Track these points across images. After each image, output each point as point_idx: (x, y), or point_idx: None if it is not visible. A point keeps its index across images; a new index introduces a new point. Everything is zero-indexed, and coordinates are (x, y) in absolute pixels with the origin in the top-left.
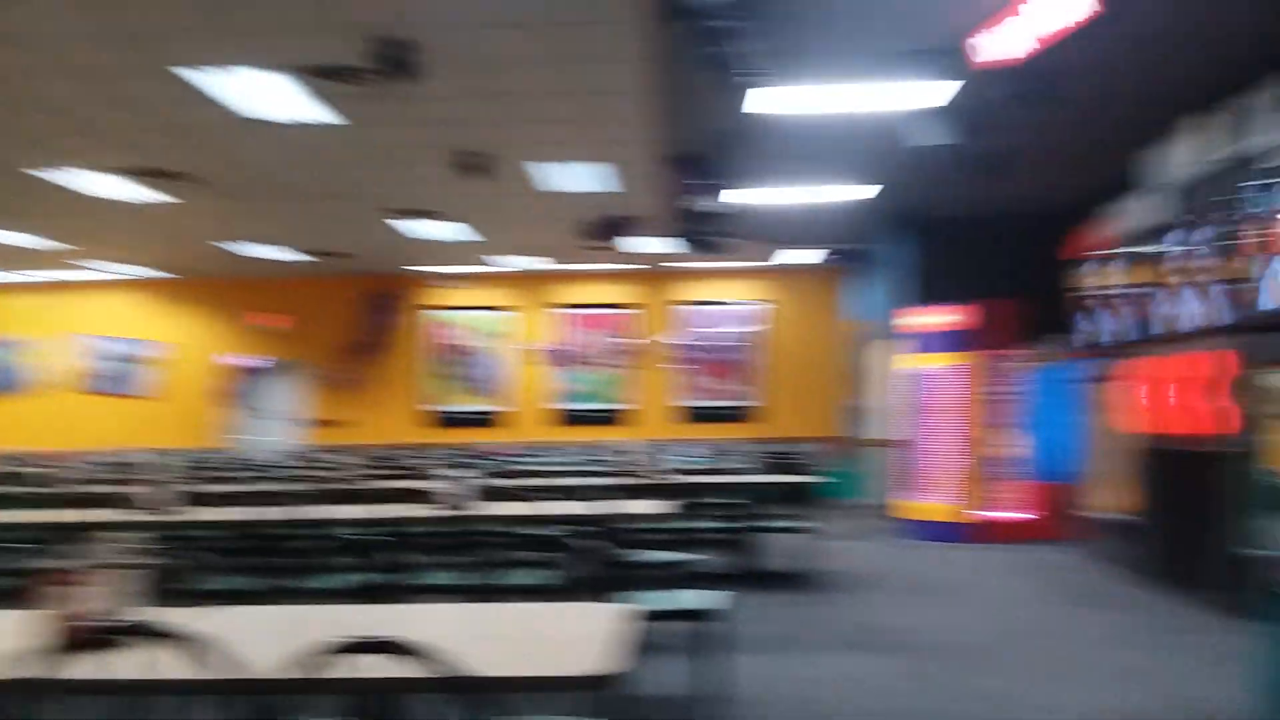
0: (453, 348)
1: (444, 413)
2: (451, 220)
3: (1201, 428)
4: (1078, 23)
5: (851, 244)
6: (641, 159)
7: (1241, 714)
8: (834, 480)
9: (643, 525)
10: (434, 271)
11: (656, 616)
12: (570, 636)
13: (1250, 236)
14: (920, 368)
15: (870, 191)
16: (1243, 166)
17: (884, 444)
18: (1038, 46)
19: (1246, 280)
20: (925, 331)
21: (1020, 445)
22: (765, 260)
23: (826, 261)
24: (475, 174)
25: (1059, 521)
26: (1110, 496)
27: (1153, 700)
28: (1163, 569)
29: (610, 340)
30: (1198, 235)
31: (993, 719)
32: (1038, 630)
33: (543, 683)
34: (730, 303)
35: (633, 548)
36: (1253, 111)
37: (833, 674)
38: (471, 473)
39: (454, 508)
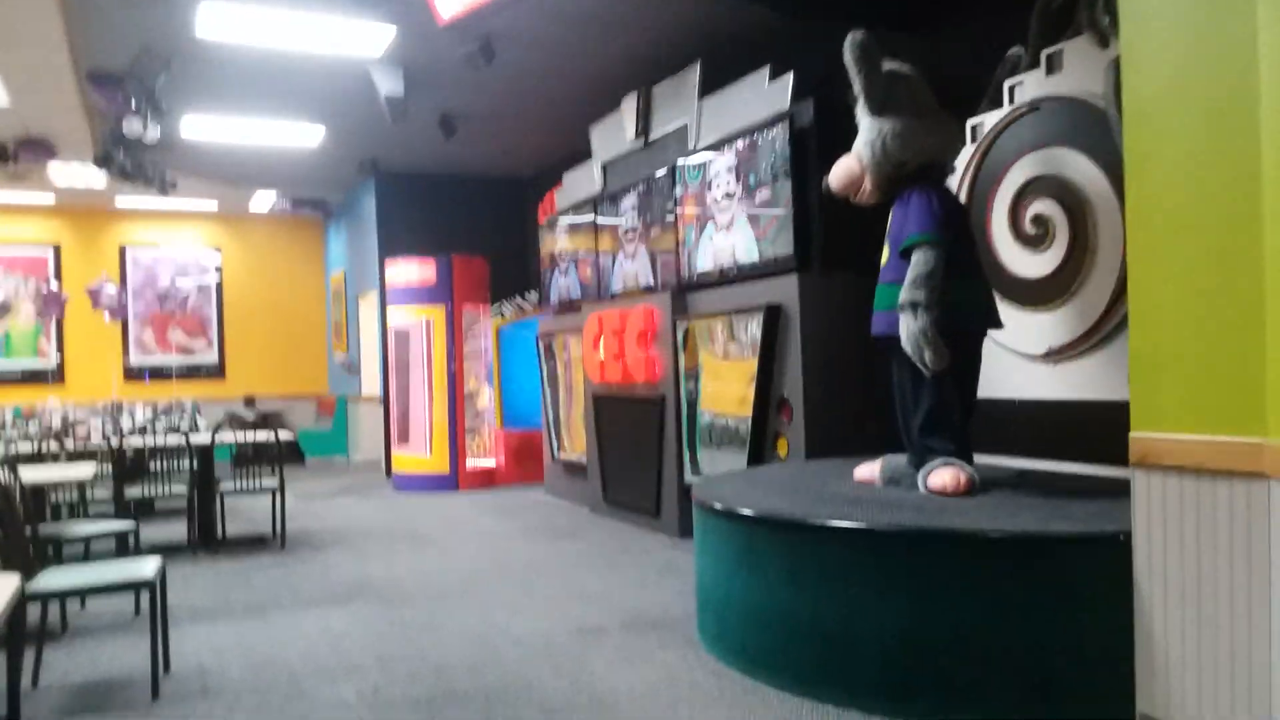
0: None
1: None
2: None
3: (640, 376)
4: None
5: (326, 192)
6: (51, 70)
7: (677, 615)
8: (321, 438)
9: (75, 496)
10: None
11: (86, 591)
12: None
13: (676, 210)
14: (400, 322)
15: (338, 137)
16: (661, 146)
17: (376, 399)
18: (464, 10)
19: (675, 248)
20: (402, 286)
21: (494, 396)
22: (238, 206)
23: (305, 209)
24: None
25: (533, 465)
26: (574, 440)
27: (609, 613)
28: (620, 501)
29: (31, 287)
30: (634, 205)
31: (467, 651)
32: (515, 565)
33: None
34: (191, 248)
35: (65, 520)
36: (666, 97)
37: (308, 631)
38: None
39: None
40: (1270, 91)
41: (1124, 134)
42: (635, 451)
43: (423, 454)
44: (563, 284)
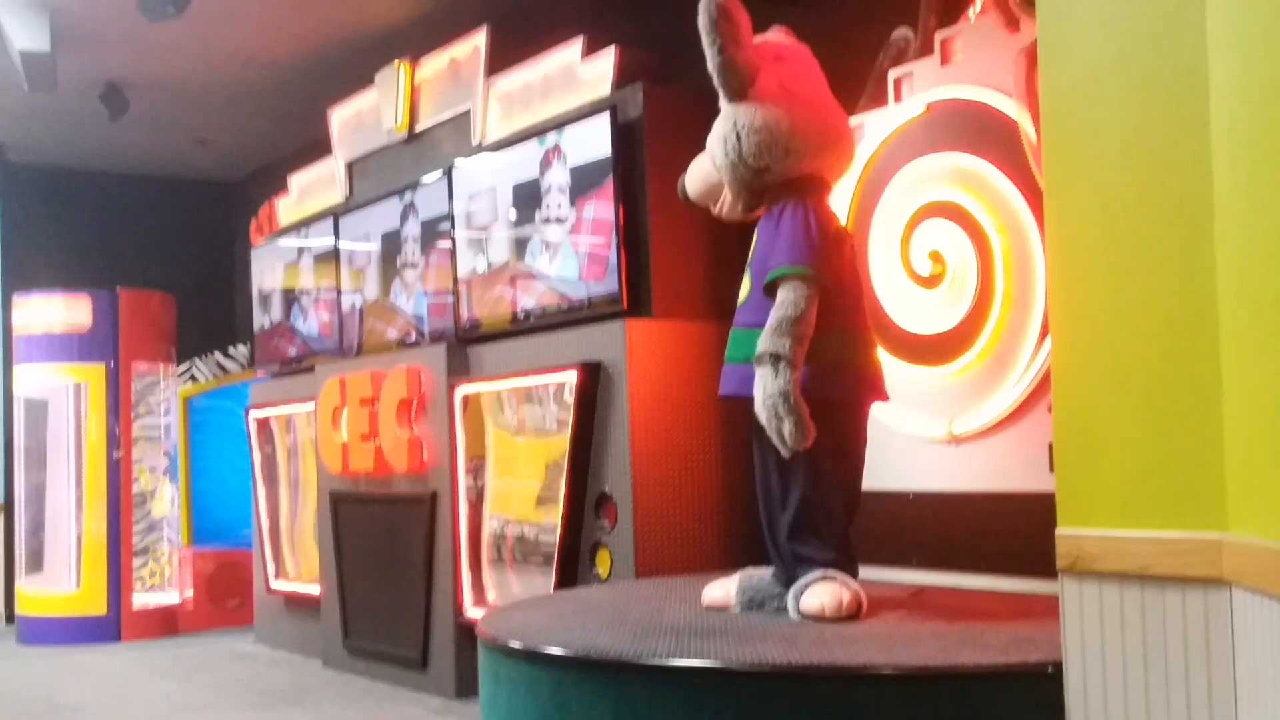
0: None
1: None
2: None
3: (400, 465)
4: None
5: None
6: None
7: None
8: None
9: None
10: None
11: None
12: None
13: (454, 230)
14: (34, 388)
15: None
16: (432, 141)
17: None
18: None
19: (452, 283)
20: (40, 335)
21: (178, 499)
22: None
23: None
24: None
25: (235, 601)
26: (302, 562)
27: None
28: (369, 649)
29: None
30: (394, 223)
31: None
32: None
33: None
34: None
35: None
36: (439, 73)
37: None
38: None
39: None
40: (1222, 72)
41: (1042, 137)
42: (393, 575)
43: (66, 588)
44: (288, 334)
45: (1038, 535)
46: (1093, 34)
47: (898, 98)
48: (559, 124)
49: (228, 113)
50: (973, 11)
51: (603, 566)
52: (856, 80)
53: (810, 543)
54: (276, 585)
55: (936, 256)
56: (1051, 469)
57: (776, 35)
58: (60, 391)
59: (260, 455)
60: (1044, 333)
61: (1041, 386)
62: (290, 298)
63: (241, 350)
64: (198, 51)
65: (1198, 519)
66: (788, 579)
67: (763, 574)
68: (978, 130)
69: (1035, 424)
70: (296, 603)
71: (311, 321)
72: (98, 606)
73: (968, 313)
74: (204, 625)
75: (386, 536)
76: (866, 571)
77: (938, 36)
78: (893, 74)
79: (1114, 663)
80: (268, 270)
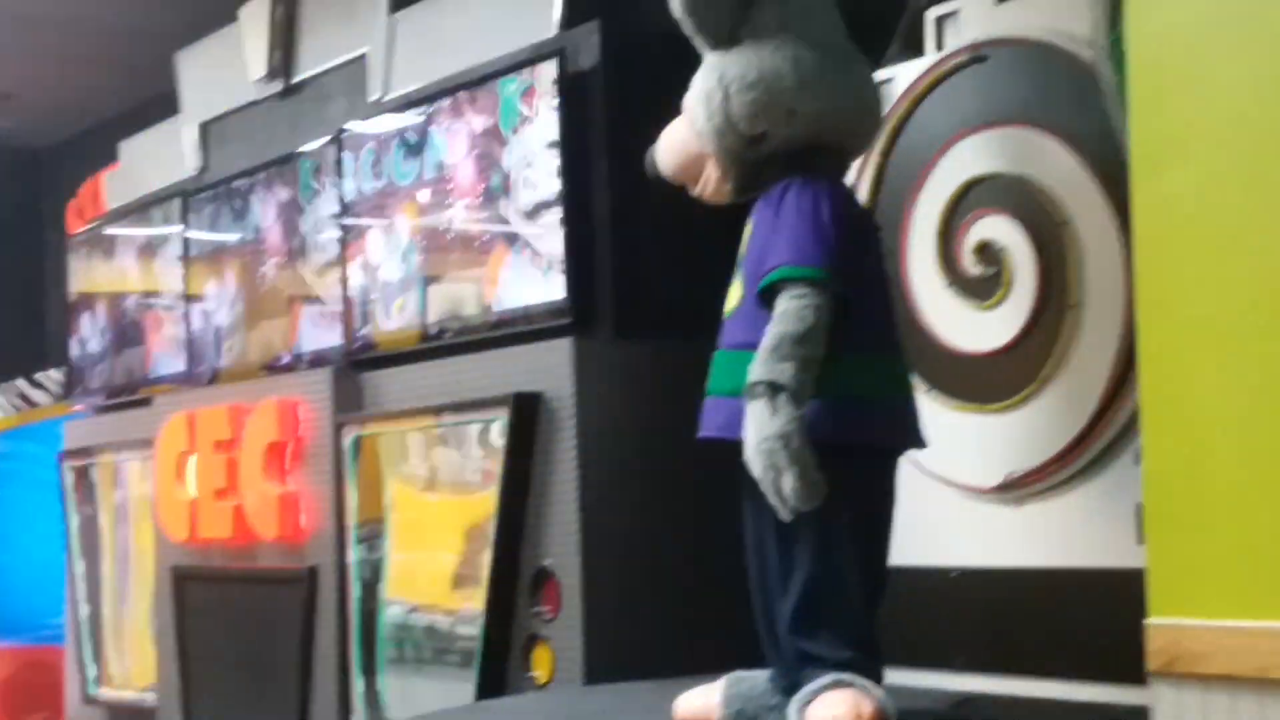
0: None
1: None
2: None
3: (268, 531)
4: None
5: None
6: None
7: None
8: None
9: None
10: None
11: None
12: None
13: (346, 217)
14: None
15: None
16: (316, 95)
17: None
18: None
19: (342, 287)
20: None
21: None
22: None
23: None
24: None
25: (40, 715)
26: (133, 663)
27: None
28: None
29: None
30: (263, 206)
31: None
32: None
33: None
34: None
35: None
36: (326, 6)
37: None
38: None
39: None
40: None
41: (1128, 98)
42: (256, 681)
43: None
44: (117, 354)
45: (1122, 626)
46: None
47: (939, 44)
48: (487, 75)
49: (35, 56)
50: None
51: (541, 668)
52: (885, 22)
53: (820, 636)
54: (97, 693)
55: (986, 251)
56: (1141, 538)
57: None
58: None
59: (78, 518)
60: (1129, 354)
61: (1127, 428)
62: (120, 306)
63: (54, 376)
64: None
65: None
66: (789, 684)
67: (756, 678)
68: (1042, 86)
69: (1119, 477)
70: (125, 717)
71: (149, 338)
72: None
73: (1028, 328)
74: None
75: (248, 628)
76: (894, 675)
77: None
78: (932, 13)
79: None
80: (90, 269)
